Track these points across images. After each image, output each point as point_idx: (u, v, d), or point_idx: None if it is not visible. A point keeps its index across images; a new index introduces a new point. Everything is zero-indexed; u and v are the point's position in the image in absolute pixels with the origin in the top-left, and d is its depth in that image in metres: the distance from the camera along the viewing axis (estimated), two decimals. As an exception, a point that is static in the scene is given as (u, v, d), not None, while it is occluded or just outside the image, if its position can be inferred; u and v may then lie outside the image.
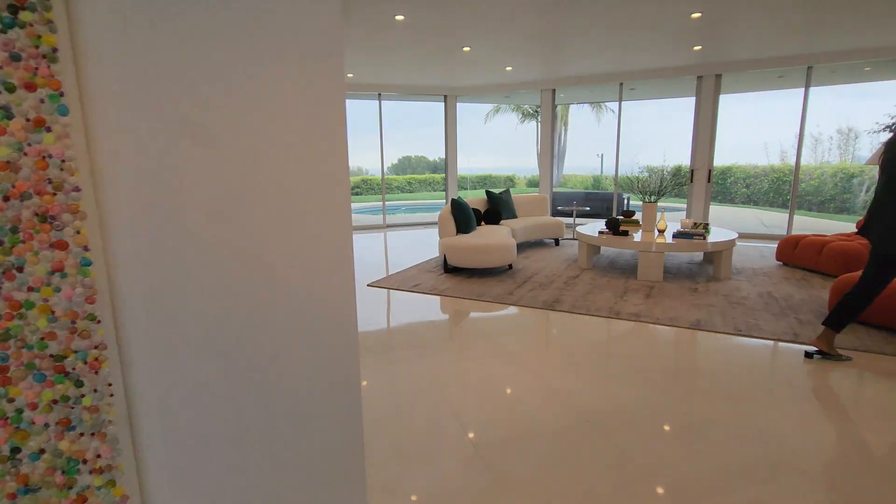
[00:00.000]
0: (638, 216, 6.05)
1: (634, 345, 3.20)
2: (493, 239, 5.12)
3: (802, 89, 6.98)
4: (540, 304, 4.08)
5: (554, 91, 8.57)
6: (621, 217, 5.93)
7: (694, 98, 7.56)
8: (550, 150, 8.88)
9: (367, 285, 4.90)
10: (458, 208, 5.59)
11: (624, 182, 8.80)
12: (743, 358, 2.96)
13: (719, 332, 3.38)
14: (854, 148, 13.56)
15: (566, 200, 9.75)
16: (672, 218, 8.57)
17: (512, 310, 4.00)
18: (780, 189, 12.84)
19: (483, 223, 6.44)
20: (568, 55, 6.73)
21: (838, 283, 3.55)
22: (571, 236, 7.57)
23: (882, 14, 4.92)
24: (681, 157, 16.20)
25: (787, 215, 7.53)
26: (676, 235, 4.92)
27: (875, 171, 3.21)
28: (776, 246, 5.86)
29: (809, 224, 10.32)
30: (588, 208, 9.08)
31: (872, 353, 2.99)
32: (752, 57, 6.82)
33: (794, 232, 7.55)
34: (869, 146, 12.34)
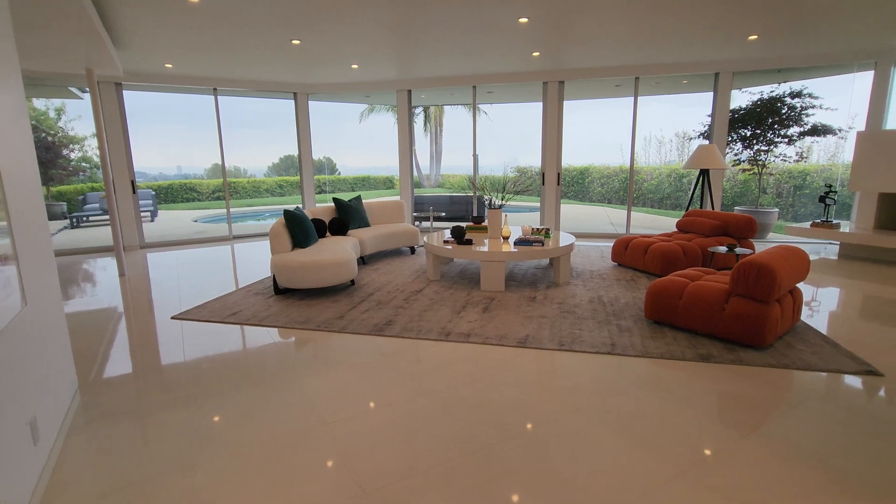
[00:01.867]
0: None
1: (451, 377, 2.92)
2: (329, 254, 4.61)
3: (633, 98, 7.51)
4: (368, 329, 3.67)
5: (410, 92, 8.28)
6: (467, 224, 5.79)
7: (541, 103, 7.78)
8: (409, 152, 8.58)
9: (172, 318, 4.09)
10: (293, 220, 4.98)
11: (483, 183, 8.83)
12: (559, 379, 2.83)
13: (544, 349, 3.26)
14: (688, 150, 15.40)
15: (433, 204, 9.58)
16: (531, 220, 8.84)
17: (334, 339, 3.53)
18: (628, 188, 14.15)
19: (329, 234, 5.89)
20: (417, 56, 6.44)
21: (652, 289, 3.65)
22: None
23: (693, 35, 5.35)
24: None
25: (637, 213, 8.11)
26: (518, 243, 4.86)
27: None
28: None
29: (649, 220, 11.39)
30: (443, 213, 8.99)
31: (676, 359, 3.05)
32: (589, 66, 7.15)
33: (635, 227, 8.16)
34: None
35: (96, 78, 6.37)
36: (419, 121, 21.35)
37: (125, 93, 7.37)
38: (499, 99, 9.83)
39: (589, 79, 7.47)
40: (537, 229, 5.36)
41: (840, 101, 7.06)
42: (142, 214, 11.89)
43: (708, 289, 3.38)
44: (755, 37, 5.55)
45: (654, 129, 15.95)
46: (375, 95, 9.99)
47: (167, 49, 5.78)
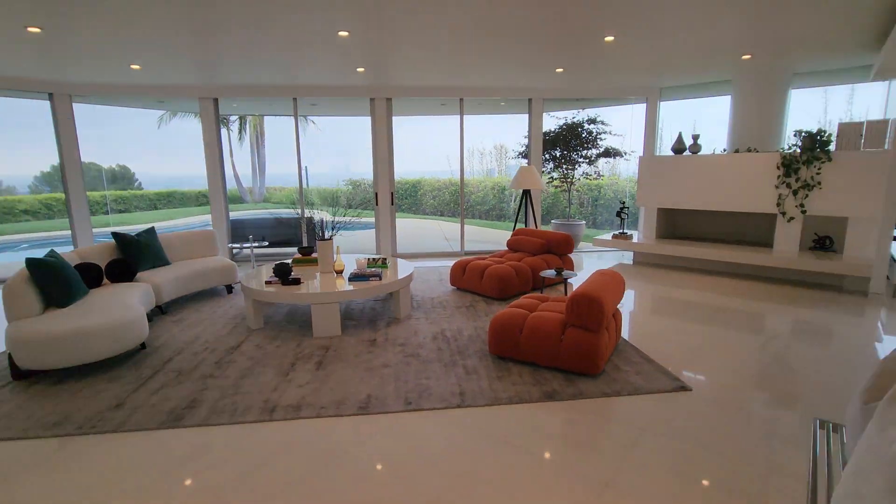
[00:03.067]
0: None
1: (275, 480, 2.32)
2: (101, 314, 3.47)
3: (458, 116, 7.67)
4: (160, 421, 2.78)
5: (217, 101, 7.13)
6: (295, 257, 5.10)
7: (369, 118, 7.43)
8: (220, 171, 7.40)
9: None
10: (42, 272, 3.66)
11: (311, 198, 8.14)
12: (411, 460, 2.45)
13: (390, 412, 2.85)
14: (506, 162, 16.77)
15: (255, 228, 8.43)
16: (366, 241, 8.35)
17: (105, 446, 2.57)
18: (458, 200, 14.80)
19: (108, 282, 4.57)
20: (222, 63, 5.47)
21: (494, 324, 3.54)
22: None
23: (508, 65, 5.56)
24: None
25: (468, 227, 8.27)
26: (353, 278, 4.37)
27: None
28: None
29: (479, 233, 11.95)
30: (265, 243, 8.02)
31: (524, 401, 2.95)
32: (415, 84, 7.05)
33: (469, 241, 8.35)
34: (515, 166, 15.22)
35: None
36: (235, 129, 19.18)
37: None
38: (325, 111, 9.19)
39: (416, 97, 7.38)
40: (373, 259, 4.96)
41: (625, 128, 8.31)
42: None
43: (546, 321, 3.39)
44: (561, 70, 6.07)
45: (475, 142, 17.02)
46: (174, 102, 8.41)
47: None
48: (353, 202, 18.10)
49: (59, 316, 3.50)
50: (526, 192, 6.91)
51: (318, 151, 20.58)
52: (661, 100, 7.44)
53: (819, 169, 5.47)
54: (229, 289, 5.62)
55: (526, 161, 7.98)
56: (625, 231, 7.11)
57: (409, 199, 16.31)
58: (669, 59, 5.60)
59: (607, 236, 7.18)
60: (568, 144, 8.34)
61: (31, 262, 3.63)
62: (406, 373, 3.36)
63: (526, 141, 8.70)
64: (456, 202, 14.96)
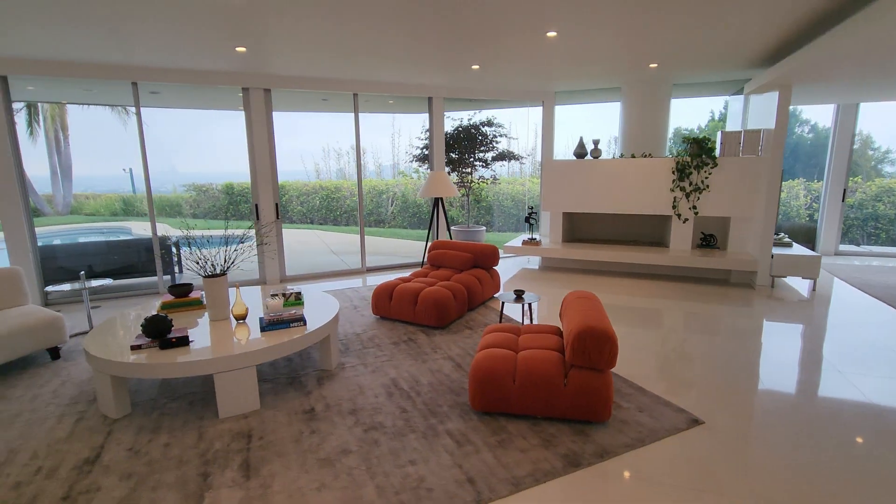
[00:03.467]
0: (203, 294, 3.98)
1: None
2: None
3: (348, 113, 6.70)
4: None
5: (6, 79, 5.01)
6: (164, 301, 3.71)
7: (241, 111, 6.02)
8: (16, 174, 5.26)
9: None
10: None
11: (164, 206, 6.41)
12: None
13: (388, 536, 1.98)
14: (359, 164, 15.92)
15: (73, 257, 6.24)
16: (249, 275, 6.74)
17: None
18: (330, 206, 13.48)
19: None
20: (14, 23, 3.70)
21: (477, 375, 2.85)
22: (86, 328, 4.59)
23: (412, 59, 4.85)
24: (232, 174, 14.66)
25: (355, 236, 7.30)
26: (269, 326, 3.25)
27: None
28: (370, 298, 5.24)
29: (370, 243, 10.95)
30: (93, 272, 6.08)
31: (549, 477, 2.34)
32: (300, 74, 5.89)
33: (353, 254, 7.43)
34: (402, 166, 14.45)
35: None
36: (21, 120, 14.72)
37: None
38: (170, 102, 7.30)
39: (299, 90, 6.19)
40: (286, 295, 3.83)
41: (519, 131, 8.23)
42: None
43: (542, 363, 2.82)
44: (477, 67, 5.58)
45: (333, 142, 15.87)
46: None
47: None
48: (198, 211, 15.44)
49: None
50: (437, 201, 6.30)
51: (149, 150, 17.10)
52: (557, 104, 7.49)
53: (708, 173, 5.94)
54: (54, 353, 3.88)
55: (424, 166, 7.37)
56: (534, 237, 6.98)
57: (244, 206, 14.45)
58: (563, 64, 5.53)
59: (516, 242, 6.97)
60: (463, 147, 7.97)
61: None
62: (379, 459, 2.48)
63: (420, 142, 8.10)
64: (328, 208, 13.66)
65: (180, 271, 6.69)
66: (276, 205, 6.19)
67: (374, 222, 13.27)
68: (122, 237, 12.54)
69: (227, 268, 3.56)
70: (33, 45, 4.38)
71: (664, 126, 6.73)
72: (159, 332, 3.05)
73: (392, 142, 13.71)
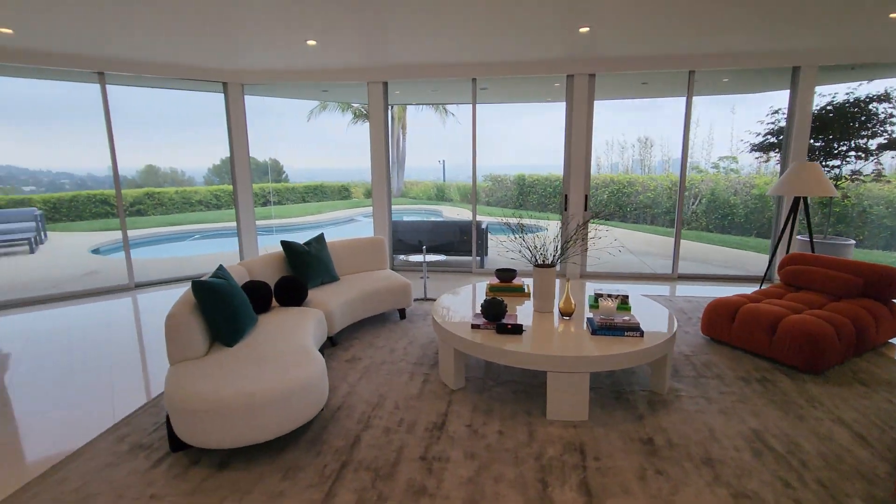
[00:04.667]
0: (524, 282, 4.00)
1: None
2: (273, 372, 2.47)
3: (685, 98, 5.80)
4: None
5: (386, 84, 6.19)
6: (490, 284, 3.81)
7: (551, 102, 5.92)
8: (386, 167, 6.49)
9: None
10: (208, 296, 2.79)
11: (456, 194, 6.94)
12: None
13: None
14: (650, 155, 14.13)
15: (408, 232, 7.46)
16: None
17: None
18: (619, 201, 12.64)
19: (276, 304, 3.72)
20: (398, 31, 4.39)
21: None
22: (422, 295, 5.29)
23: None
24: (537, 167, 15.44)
25: (650, 236, 6.41)
26: (600, 329, 2.92)
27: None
28: (693, 312, 4.42)
29: (667, 244, 9.81)
30: (421, 246, 6.93)
31: None
32: (622, 54, 5.36)
33: (663, 257, 6.46)
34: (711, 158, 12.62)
35: None
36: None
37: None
38: (489, 98, 7.89)
39: (621, 73, 5.67)
40: (612, 296, 3.45)
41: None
42: (17, 244, 9.03)
43: None
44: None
45: (616, 134, 14.68)
46: (336, 90, 7.78)
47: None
48: (491, 200, 16.90)
49: (226, 363, 2.58)
50: (798, 201, 4.85)
51: (453, 147, 19.76)
52: None
53: None
54: (402, 314, 4.55)
55: (774, 155, 5.84)
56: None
57: (532, 196, 14.62)
58: None
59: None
60: (835, 130, 5.97)
61: (198, 287, 2.78)
62: (768, 549, 1.81)
63: (763, 127, 6.53)
64: (617, 203, 12.83)
65: (486, 254, 7.20)
66: (587, 196, 5.90)
67: (668, 222, 11.78)
68: (432, 218, 14.84)
69: (559, 259, 3.39)
70: (407, 52, 5.19)
71: None
72: (496, 315, 3.08)
73: (693, 132, 11.83)
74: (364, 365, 3.50)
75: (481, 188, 17.86)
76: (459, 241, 7.33)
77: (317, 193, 17.87)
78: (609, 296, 3.45)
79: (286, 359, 2.63)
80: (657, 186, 12.06)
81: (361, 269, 4.76)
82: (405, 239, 7.26)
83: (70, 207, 13.27)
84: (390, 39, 4.65)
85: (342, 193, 18.61)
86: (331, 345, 3.85)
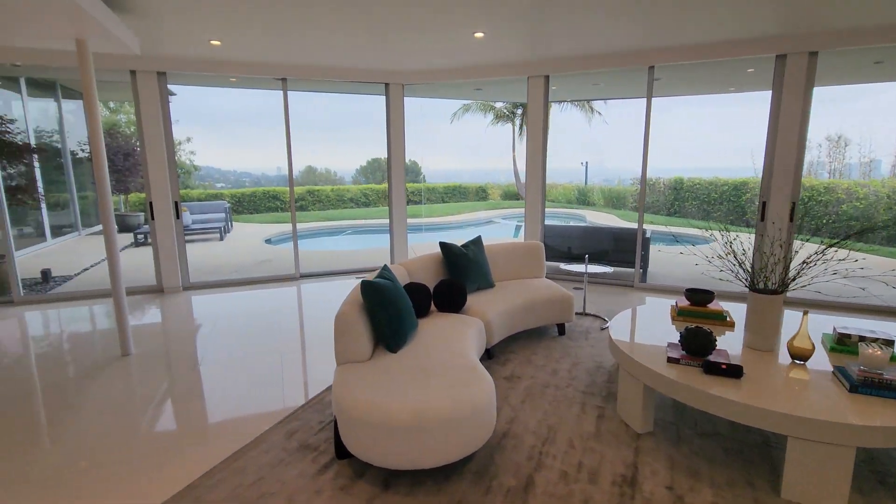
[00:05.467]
0: (724, 306, 3.28)
1: None
2: (439, 388, 2.22)
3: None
4: None
5: (548, 79, 5.77)
6: (681, 307, 3.15)
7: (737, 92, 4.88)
8: (543, 167, 6.08)
9: (119, 537, 1.93)
10: (376, 297, 2.68)
11: (599, 198, 6.14)
12: None
13: None
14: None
15: (556, 238, 6.90)
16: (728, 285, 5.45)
17: None
18: (811, 211, 10.41)
19: (435, 309, 3.55)
20: (568, 12, 3.92)
21: None
22: (580, 309, 4.76)
23: None
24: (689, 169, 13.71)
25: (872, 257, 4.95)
26: (863, 387, 2.14)
27: None
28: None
29: (880, 264, 7.78)
30: (570, 252, 6.25)
31: None
32: (853, 25, 4.18)
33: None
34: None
35: (138, 66, 4.62)
36: (514, 121, 18.68)
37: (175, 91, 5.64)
38: (662, 90, 6.96)
39: (850, 48, 4.45)
40: (873, 340, 2.58)
41: None
42: (211, 232, 10.58)
43: None
44: None
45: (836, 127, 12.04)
46: (490, 87, 7.58)
47: (197, 14, 3.78)
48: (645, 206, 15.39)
49: (391, 371, 2.42)
50: None
51: (600, 145, 18.50)
52: None
53: None
54: (561, 329, 4.09)
55: None
56: None
57: (692, 202, 12.73)
58: None
59: None
60: None
61: (367, 287, 2.68)
62: None
63: None
64: (811, 214, 10.60)
65: (645, 266, 6.36)
66: (794, 204, 4.78)
67: (885, 239, 9.35)
68: (582, 223, 14.00)
69: (788, 283, 2.64)
70: (572, 40, 4.70)
71: None
72: (701, 349, 2.47)
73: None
74: (525, 386, 3.13)
75: (628, 192, 16.43)
76: (614, 251, 6.60)
77: (455, 194, 18.16)
78: (869, 339, 2.58)
79: (453, 375, 2.37)
80: (868, 194, 9.66)
81: (518, 276, 4.42)
82: (552, 244, 6.76)
83: (250, 202, 15.32)
84: (555, 29, 4.22)
85: (479, 194, 18.66)
86: (487, 357, 3.56)
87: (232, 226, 11.97)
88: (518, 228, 16.18)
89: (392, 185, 6.61)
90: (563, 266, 5.05)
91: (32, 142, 7.26)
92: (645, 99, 5.34)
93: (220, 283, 6.00)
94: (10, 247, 5.18)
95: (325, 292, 5.64)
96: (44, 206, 7.68)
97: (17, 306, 5.14)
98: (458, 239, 4.15)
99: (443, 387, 2.24)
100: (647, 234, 6.18)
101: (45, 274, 6.17)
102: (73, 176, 8.67)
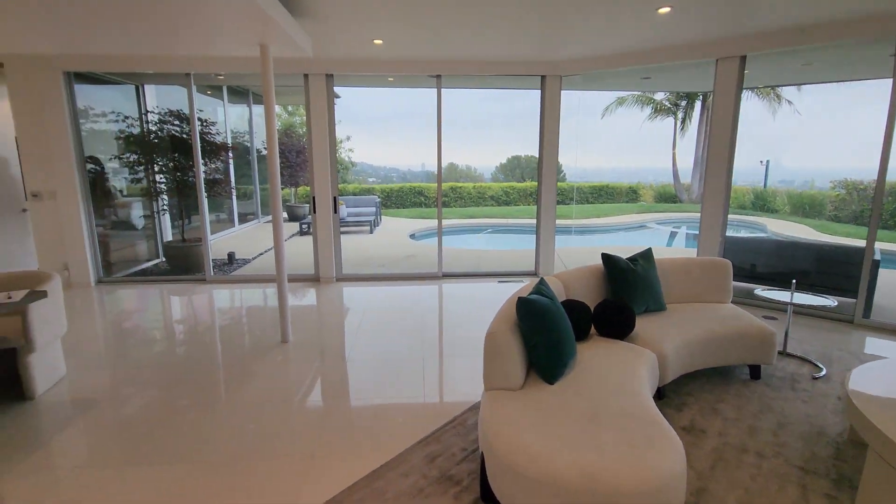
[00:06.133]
0: None
1: None
2: (616, 448, 1.76)
3: None
4: None
5: (744, 59, 4.75)
6: None
7: None
8: (729, 161, 5.08)
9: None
10: (534, 317, 2.31)
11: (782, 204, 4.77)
12: None
13: None
14: None
15: (736, 252, 5.71)
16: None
17: None
18: None
19: (595, 332, 3.05)
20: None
21: None
22: (781, 348, 3.77)
23: None
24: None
25: None
26: None
27: None
28: None
29: None
30: (755, 270, 4.99)
31: None
32: None
33: None
34: None
35: (310, 70, 4.93)
36: (683, 113, 16.59)
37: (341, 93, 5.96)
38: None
39: None
40: None
41: None
42: (363, 225, 11.30)
43: None
44: None
45: None
46: (661, 75, 6.64)
47: (370, 14, 3.79)
48: (842, 214, 12.55)
49: (550, 409, 2.03)
50: None
51: (787, 140, 15.53)
52: None
53: None
54: (755, 372, 3.25)
55: None
56: None
57: None
58: None
59: None
60: None
61: (523, 305, 2.32)
62: None
63: None
64: None
65: (870, 297, 4.91)
66: None
67: None
68: (747, 233, 11.89)
69: None
70: (780, 6, 3.70)
71: None
72: None
73: None
74: (713, 445, 2.47)
75: (826, 198, 13.47)
76: (817, 273, 5.25)
77: (601, 194, 16.90)
78: None
79: (631, 428, 1.89)
80: None
81: (695, 299, 3.66)
82: (730, 260, 5.64)
83: (397, 196, 16.17)
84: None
85: (629, 196, 17.08)
86: (657, 397, 2.95)
87: (381, 219, 12.67)
88: (673, 235, 14.33)
89: (543, 185, 6.16)
90: (768, 293, 4.07)
91: (229, 141, 8.43)
92: (892, 80, 4.05)
93: (369, 276, 6.22)
94: (206, 232, 6.00)
95: (467, 294, 5.47)
96: (234, 196, 8.89)
97: (209, 284, 5.92)
98: (608, 246, 3.58)
99: (620, 443, 1.78)
100: (877, 256, 4.76)
101: (231, 256, 7.08)
102: (257, 171, 9.96)
